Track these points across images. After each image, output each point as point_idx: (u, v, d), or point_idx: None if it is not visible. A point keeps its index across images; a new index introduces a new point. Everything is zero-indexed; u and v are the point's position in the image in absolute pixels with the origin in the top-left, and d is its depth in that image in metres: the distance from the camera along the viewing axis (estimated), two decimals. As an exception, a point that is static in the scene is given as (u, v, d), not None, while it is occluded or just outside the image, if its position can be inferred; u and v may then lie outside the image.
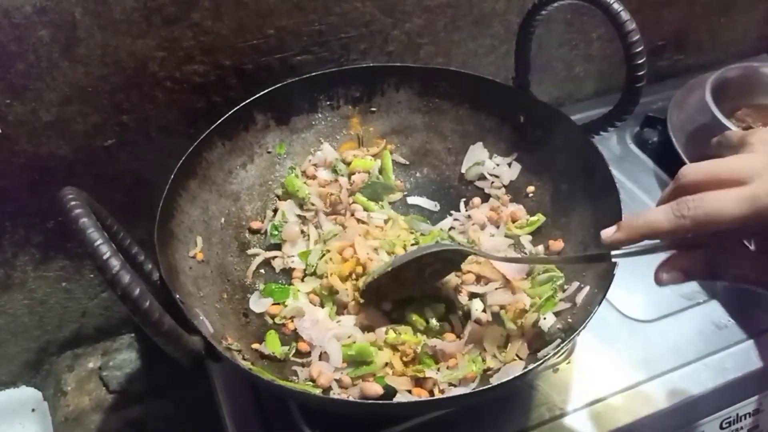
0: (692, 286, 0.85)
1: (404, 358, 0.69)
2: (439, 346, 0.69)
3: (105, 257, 0.45)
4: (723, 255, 0.54)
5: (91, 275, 0.93)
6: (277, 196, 0.85)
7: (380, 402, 0.65)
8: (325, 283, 0.75)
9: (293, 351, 0.71)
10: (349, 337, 0.71)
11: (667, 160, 1.00)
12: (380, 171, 0.88)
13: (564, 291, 0.73)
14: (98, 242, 0.46)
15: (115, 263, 0.46)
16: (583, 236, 0.76)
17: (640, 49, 0.66)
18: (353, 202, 0.85)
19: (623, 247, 0.57)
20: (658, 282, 0.56)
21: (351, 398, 0.67)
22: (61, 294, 0.93)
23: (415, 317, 0.72)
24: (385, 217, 0.84)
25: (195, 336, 0.55)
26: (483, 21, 0.95)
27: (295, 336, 0.73)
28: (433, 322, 0.72)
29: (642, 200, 0.97)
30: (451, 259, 0.71)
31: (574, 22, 1.04)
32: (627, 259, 0.58)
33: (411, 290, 0.73)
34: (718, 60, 1.20)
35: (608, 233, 0.56)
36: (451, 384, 0.67)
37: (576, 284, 0.71)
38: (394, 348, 0.70)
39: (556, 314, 0.71)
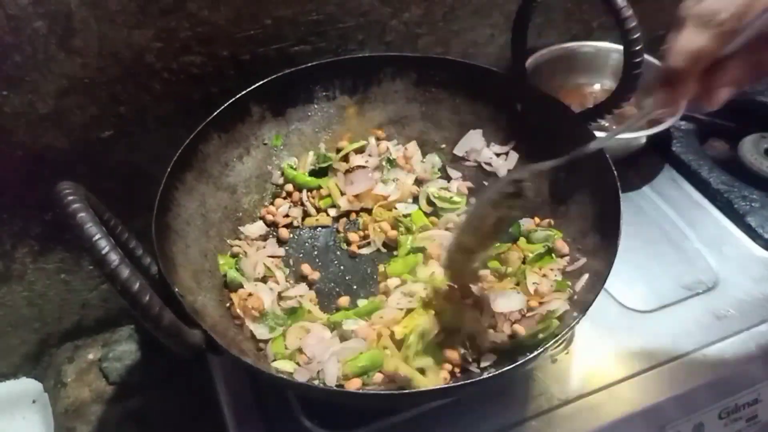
0: (692, 277, 0.85)
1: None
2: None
3: (103, 252, 0.45)
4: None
5: (90, 267, 0.93)
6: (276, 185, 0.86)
7: (379, 392, 0.65)
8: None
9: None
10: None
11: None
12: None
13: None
14: (96, 237, 0.46)
15: (114, 258, 0.46)
16: (582, 224, 0.76)
17: (636, 36, 0.66)
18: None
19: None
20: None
21: (350, 389, 0.67)
22: (61, 286, 0.93)
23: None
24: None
25: (195, 329, 0.55)
26: (482, 11, 0.94)
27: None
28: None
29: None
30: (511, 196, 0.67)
31: (574, 12, 1.04)
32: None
33: (490, 240, 0.70)
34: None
35: (653, 101, 0.55)
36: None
37: (582, 260, 0.72)
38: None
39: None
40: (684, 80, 0.52)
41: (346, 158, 0.87)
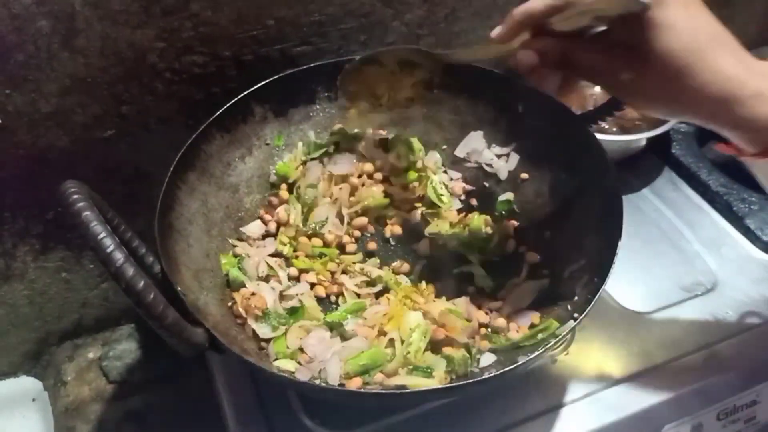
0: (692, 278, 0.85)
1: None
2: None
3: (108, 250, 0.46)
4: (578, 43, 0.56)
5: (91, 266, 0.93)
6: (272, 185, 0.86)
7: (379, 392, 0.65)
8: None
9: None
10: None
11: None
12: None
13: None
14: (101, 235, 0.46)
15: (119, 256, 0.46)
16: (583, 224, 0.75)
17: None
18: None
19: (512, 41, 0.59)
20: (518, 65, 0.58)
21: (351, 388, 0.67)
22: (61, 284, 0.93)
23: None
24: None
25: (198, 328, 0.55)
26: (483, 12, 0.95)
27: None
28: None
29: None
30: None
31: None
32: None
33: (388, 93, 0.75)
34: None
35: (494, 31, 0.60)
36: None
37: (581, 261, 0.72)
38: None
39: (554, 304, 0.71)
40: (515, 27, 0.58)
41: (337, 145, 0.88)
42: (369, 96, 0.77)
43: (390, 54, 0.73)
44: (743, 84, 0.51)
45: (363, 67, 0.74)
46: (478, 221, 0.81)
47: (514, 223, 0.82)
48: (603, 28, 0.56)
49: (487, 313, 0.73)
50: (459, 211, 0.85)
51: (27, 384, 1.00)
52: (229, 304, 0.72)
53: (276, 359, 0.68)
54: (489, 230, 0.81)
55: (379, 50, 0.73)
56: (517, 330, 0.70)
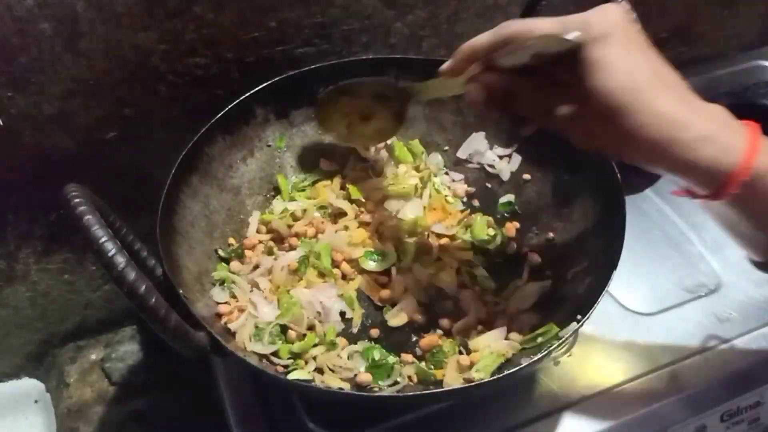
0: (695, 279, 0.85)
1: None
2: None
3: (110, 254, 0.46)
4: (523, 79, 0.56)
5: (93, 268, 0.93)
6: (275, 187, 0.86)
7: (381, 395, 0.65)
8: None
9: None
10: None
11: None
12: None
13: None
14: (103, 239, 0.46)
15: (121, 260, 0.46)
16: (585, 225, 0.76)
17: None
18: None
19: (459, 75, 0.60)
20: (467, 97, 0.59)
21: (354, 390, 0.67)
22: (64, 286, 0.93)
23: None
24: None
25: (200, 331, 0.55)
26: (486, 13, 0.94)
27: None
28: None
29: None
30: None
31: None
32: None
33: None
34: (722, 52, 1.20)
35: (444, 65, 0.62)
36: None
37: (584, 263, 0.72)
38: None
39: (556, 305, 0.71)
40: (462, 60, 0.59)
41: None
42: (342, 125, 0.80)
43: (363, 85, 0.76)
44: (687, 126, 0.50)
45: (338, 97, 0.77)
46: (481, 222, 0.81)
47: (516, 224, 0.82)
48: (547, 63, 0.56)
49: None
50: (461, 212, 0.85)
51: (29, 386, 1.00)
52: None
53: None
54: (491, 231, 0.81)
55: (353, 81, 0.76)
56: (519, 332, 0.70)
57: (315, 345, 0.69)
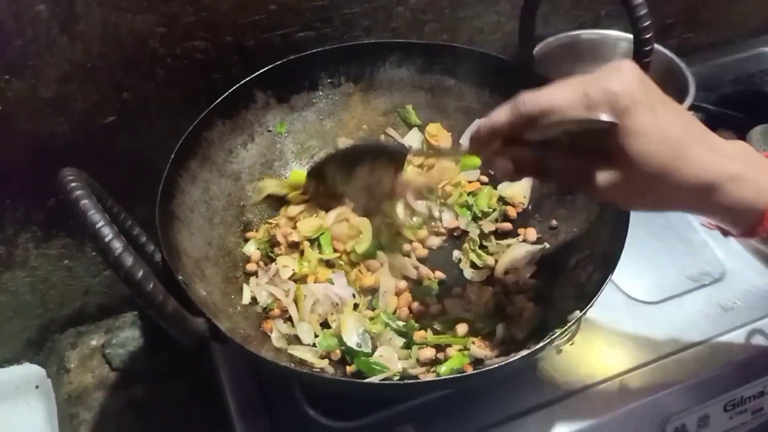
0: (699, 268, 0.84)
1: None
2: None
3: (107, 239, 0.45)
4: (552, 150, 0.55)
5: (93, 253, 0.93)
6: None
7: (382, 383, 0.64)
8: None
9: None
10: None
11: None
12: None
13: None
14: (100, 224, 0.45)
15: (118, 245, 0.45)
16: (589, 214, 0.75)
17: (647, 24, 0.66)
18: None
19: (483, 153, 0.59)
20: (490, 165, 0.58)
21: (353, 378, 0.67)
22: (63, 272, 0.93)
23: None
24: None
25: (199, 318, 0.55)
26: (489, -2, 0.93)
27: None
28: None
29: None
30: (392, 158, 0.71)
31: (581, -1, 1.03)
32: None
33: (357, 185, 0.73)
34: (728, 39, 1.19)
35: (463, 142, 0.63)
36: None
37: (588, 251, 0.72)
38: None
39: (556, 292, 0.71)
40: (483, 143, 0.57)
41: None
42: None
43: (358, 150, 0.75)
44: (720, 170, 0.51)
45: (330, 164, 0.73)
46: (488, 193, 0.83)
47: (517, 208, 0.83)
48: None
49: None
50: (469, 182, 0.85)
51: (30, 371, 1.00)
52: (231, 296, 0.72)
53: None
54: (494, 203, 0.83)
55: (346, 147, 0.79)
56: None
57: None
